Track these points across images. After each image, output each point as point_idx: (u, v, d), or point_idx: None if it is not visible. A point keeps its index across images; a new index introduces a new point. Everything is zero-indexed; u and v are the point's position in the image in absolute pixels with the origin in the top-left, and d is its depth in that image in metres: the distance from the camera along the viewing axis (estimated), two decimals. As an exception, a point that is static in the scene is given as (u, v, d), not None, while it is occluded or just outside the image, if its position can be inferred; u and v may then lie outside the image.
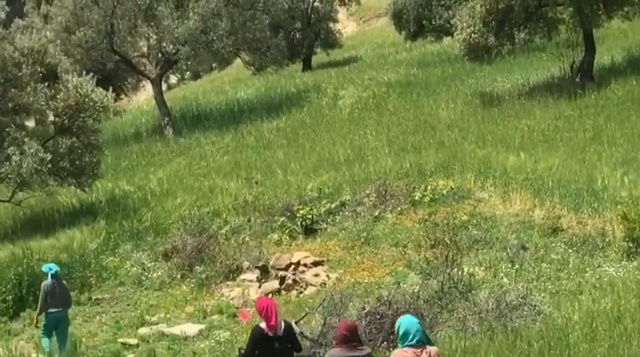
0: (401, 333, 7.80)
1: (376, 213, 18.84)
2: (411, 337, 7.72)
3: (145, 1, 32.65)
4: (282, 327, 9.56)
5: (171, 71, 40.53)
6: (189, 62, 34.89)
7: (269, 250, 17.94)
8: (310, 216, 18.91)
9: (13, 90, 21.75)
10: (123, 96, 48.42)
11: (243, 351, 9.68)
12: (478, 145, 22.49)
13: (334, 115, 31.11)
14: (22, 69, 21.70)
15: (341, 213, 19.23)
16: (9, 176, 20.89)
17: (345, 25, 67.81)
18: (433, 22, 41.92)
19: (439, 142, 23.62)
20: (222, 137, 30.44)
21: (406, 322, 7.89)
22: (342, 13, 62.03)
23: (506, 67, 33.31)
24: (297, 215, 18.93)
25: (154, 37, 33.45)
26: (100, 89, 22.20)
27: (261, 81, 43.59)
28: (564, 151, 20.46)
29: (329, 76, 39.75)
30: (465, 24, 28.44)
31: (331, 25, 52.41)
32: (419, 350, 7.72)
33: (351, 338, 8.33)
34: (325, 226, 18.98)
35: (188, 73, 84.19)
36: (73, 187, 23.52)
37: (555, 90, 27.13)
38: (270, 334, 9.43)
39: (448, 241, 14.30)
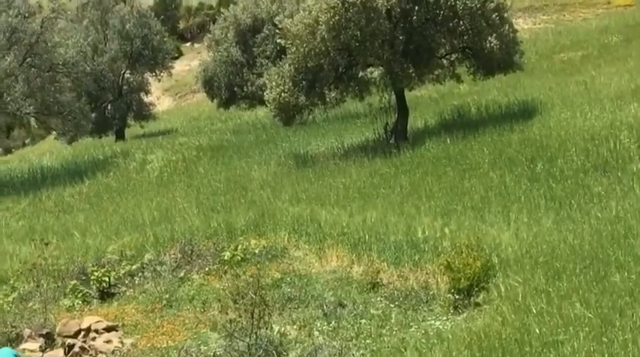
0: None
1: (181, 274, 17.14)
2: None
3: None
4: None
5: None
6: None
7: (58, 316, 15.82)
8: (107, 279, 16.95)
9: None
10: None
11: None
12: (292, 203, 21.29)
13: (141, 179, 29.46)
14: None
15: (141, 275, 17.41)
16: None
17: (162, 100, 66.72)
18: (245, 89, 41.04)
19: (250, 201, 22.30)
20: (18, 203, 28.12)
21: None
22: (157, 89, 60.91)
23: (321, 132, 32.76)
24: (92, 278, 16.95)
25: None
26: None
27: (69, 150, 41.73)
28: (382, 205, 19.47)
29: (139, 143, 38.09)
30: (274, 83, 27.44)
31: (144, 97, 50.97)
32: None
33: None
34: (124, 289, 17.10)
35: (0, 149, 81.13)
36: None
37: (370, 151, 26.46)
38: None
39: (253, 295, 12.73)
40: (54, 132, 41.23)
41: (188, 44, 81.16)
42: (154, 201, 24.87)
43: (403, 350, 11.97)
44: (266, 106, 31.21)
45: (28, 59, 31.58)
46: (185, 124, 50.62)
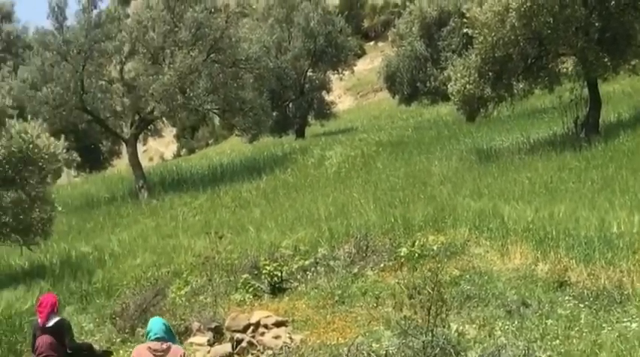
0: (147, 330, 9.05)
1: (355, 270, 16.41)
2: (151, 334, 8.88)
3: (120, 58, 30.78)
4: (54, 321, 10.94)
5: (149, 134, 38.18)
6: (164, 120, 32.74)
7: (228, 310, 15.37)
8: (279, 273, 16.39)
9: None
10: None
11: None
12: (473, 198, 20.15)
13: (319, 175, 29.00)
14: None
15: (314, 270, 16.76)
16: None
17: (342, 99, 66.60)
18: (427, 85, 39.97)
19: (430, 196, 21.30)
20: (196, 198, 28.21)
21: (152, 321, 9.20)
22: (338, 87, 60.74)
23: (505, 127, 31.41)
24: (264, 272, 16.42)
25: (128, 94, 31.36)
26: (47, 135, 19.77)
27: (249, 148, 41.97)
28: (571, 200, 18.05)
29: (318, 140, 37.78)
30: (459, 74, 26.31)
31: (325, 95, 50.72)
32: (158, 344, 8.81)
33: None
34: (296, 284, 16.50)
35: (184, 149, 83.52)
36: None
37: (558, 145, 24.98)
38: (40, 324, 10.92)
39: (430, 291, 11.76)
40: (236, 132, 41.42)
41: (372, 43, 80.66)
42: (330, 196, 24.31)
43: (597, 351, 10.72)
44: (449, 100, 30.08)
45: (212, 55, 31.58)
46: (365, 123, 50.07)
